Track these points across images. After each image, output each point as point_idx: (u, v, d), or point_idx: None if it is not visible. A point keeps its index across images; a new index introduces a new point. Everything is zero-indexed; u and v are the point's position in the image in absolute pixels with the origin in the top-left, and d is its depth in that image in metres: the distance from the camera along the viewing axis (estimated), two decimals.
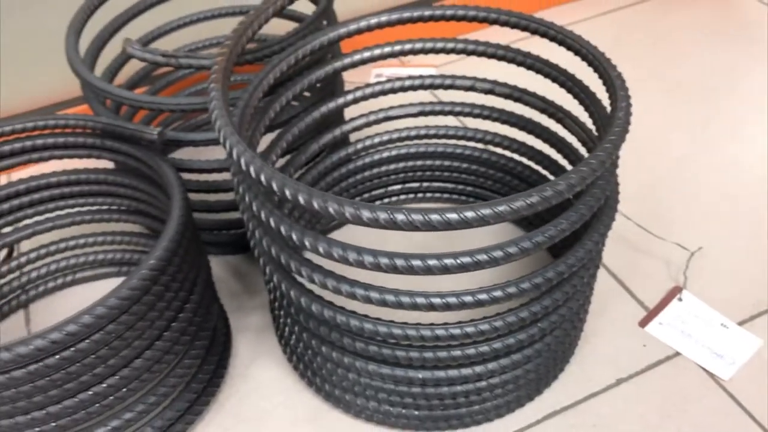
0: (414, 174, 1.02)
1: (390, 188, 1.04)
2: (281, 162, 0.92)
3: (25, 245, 1.00)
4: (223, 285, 0.96)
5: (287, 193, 0.58)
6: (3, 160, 0.86)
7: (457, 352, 0.69)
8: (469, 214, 0.55)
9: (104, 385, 0.67)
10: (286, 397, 0.84)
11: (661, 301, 0.90)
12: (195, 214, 0.87)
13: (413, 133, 0.98)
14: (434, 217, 0.55)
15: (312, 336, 0.75)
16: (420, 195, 1.05)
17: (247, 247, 1.00)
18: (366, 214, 0.56)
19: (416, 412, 0.77)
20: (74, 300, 0.97)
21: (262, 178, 0.60)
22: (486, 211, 0.56)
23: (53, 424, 0.67)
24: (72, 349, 0.62)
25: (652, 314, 0.89)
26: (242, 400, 0.84)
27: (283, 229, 0.63)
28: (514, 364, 0.73)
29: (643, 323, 0.88)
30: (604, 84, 0.70)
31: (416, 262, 0.59)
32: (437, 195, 1.04)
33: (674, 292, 0.90)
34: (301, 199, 0.58)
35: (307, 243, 0.62)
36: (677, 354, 0.85)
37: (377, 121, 0.95)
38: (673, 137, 1.15)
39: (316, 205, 0.57)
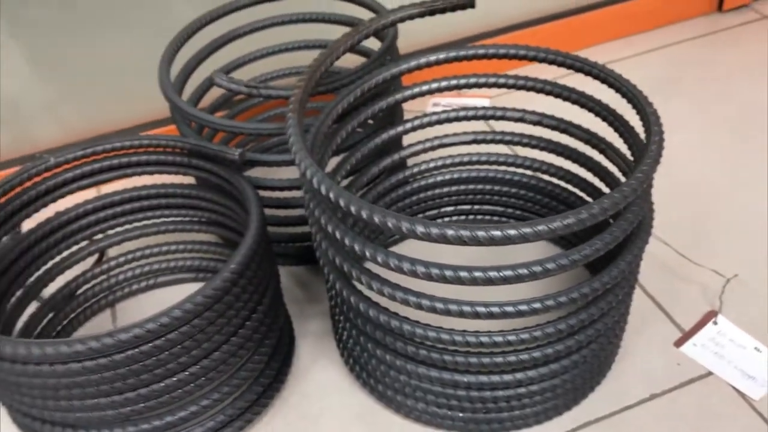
0: (466, 197, 1.10)
1: (443, 209, 1.12)
2: (345, 182, 1.01)
3: (114, 251, 1.11)
4: (288, 293, 1.05)
5: (352, 208, 0.67)
6: (102, 174, 0.97)
7: (499, 359, 0.77)
8: (512, 231, 0.63)
9: (186, 373, 0.77)
10: (342, 396, 0.92)
11: (696, 323, 0.95)
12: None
13: (466, 159, 1.06)
14: (480, 233, 0.63)
15: (368, 339, 0.83)
16: (471, 217, 1.12)
17: (310, 260, 1.10)
18: (420, 228, 0.64)
19: (461, 414, 0.84)
20: (155, 301, 1.08)
21: (331, 195, 0.69)
22: (527, 230, 0.63)
23: (142, 405, 0.76)
24: (163, 338, 0.72)
25: (687, 335, 0.94)
26: (303, 397, 0.92)
27: (347, 241, 0.72)
28: (552, 373, 0.80)
29: (678, 344, 0.93)
30: (640, 118, 0.77)
31: (463, 273, 0.67)
32: (487, 217, 1.12)
33: (709, 316, 0.95)
34: (364, 215, 0.66)
35: (367, 253, 0.70)
36: (710, 374, 0.90)
37: (433, 148, 1.04)
38: (715, 170, 1.19)
39: (376, 219, 0.66)
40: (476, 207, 1.11)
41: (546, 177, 1.04)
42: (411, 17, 0.91)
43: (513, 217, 1.10)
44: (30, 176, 0.93)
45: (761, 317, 0.95)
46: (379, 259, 0.69)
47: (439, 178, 1.08)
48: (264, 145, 1.24)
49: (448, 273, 0.67)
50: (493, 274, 0.67)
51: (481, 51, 0.92)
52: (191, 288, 0.97)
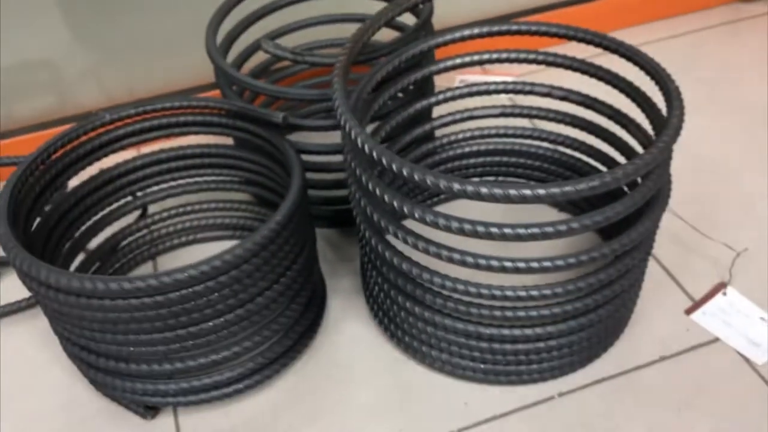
0: (491, 168, 1.16)
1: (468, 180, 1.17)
2: None
3: (156, 207, 1.17)
4: (321, 253, 1.12)
5: (394, 166, 0.73)
6: (151, 132, 1.03)
7: (521, 313, 0.83)
8: (541, 191, 0.69)
9: (232, 315, 0.83)
10: (370, 347, 0.99)
11: (706, 294, 1.01)
12: None
13: (493, 131, 1.12)
14: (512, 191, 0.69)
15: (398, 292, 0.89)
16: None
17: (342, 223, 1.16)
18: (456, 185, 0.70)
19: (482, 365, 0.90)
20: (194, 256, 1.13)
21: (374, 153, 0.74)
22: (555, 190, 0.69)
23: (191, 342, 0.83)
24: (214, 280, 0.78)
25: (697, 305, 1.00)
26: (333, 347, 0.99)
27: (386, 197, 0.77)
28: (570, 329, 0.85)
29: (689, 311, 0.99)
30: (662, 92, 0.82)
31: (494, 229, 0.73)
32: None
33: (719, 288, 1.01)
34: (405, 172, 0.72)
35: (405, 209, 0.76)
36: (717, 340, 0.95)
37: (462, 119, 1.09)
38: (729, 152, 1.24)
39: (416, 176, 0.72)
40: (501, 178, 1.17)
41: (569, 151, 1.09)
42: None
43: None
44: (86, 131, 0.99)
45: None
46: (417, 215, 0.75)
47: (467, 149, 1.14)
48: (301, 112, 1.29)
49: (480, 228, 0.73)
50: (521, 230, 0.72)
51: (514, 27, 0.97)
52: (228, 245, 1.03)
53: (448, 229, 0.74)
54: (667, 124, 0.77)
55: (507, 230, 0.73)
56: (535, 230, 0.73)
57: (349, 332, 1.01)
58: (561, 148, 1.10)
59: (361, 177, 0.81)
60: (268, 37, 1.25)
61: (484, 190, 0.70)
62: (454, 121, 1.09)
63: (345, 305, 1.05)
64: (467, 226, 0.73)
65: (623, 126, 0.95)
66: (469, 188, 0.70)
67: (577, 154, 1.09)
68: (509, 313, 0.83)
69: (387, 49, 1.00)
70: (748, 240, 1.06)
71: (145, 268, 1.14)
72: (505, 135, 1.12)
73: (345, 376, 0.96)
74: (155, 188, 1.11)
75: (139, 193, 1.11)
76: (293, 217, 0.86)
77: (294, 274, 0.89)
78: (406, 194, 1.13)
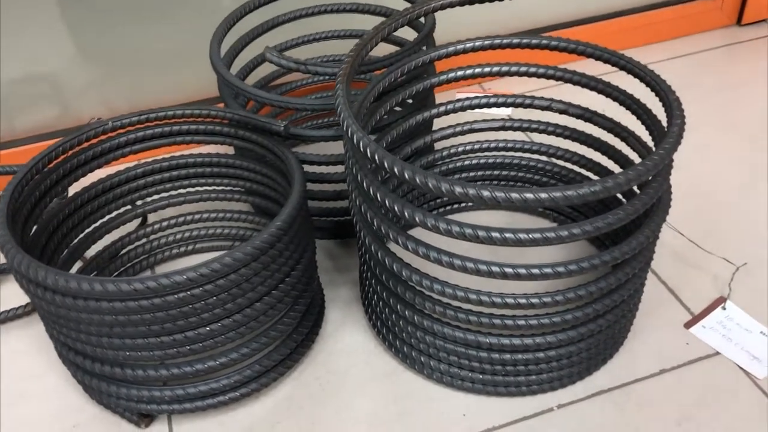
0: (491, 182, 1.16)
1: None
2: None
3: (155, 216, 1.17)
4: (320, 263, 1.11)
5: (396, 169, 0.73)
6: (154, 140, 1.04)
7: (521, 321, 0.82)
8: (543, 195, 0.69)
9: (230, 320, 0.83)
10: (367, 357, 0.98)
11: (706, 308, 1.01)
12: None
13: (492, 145, 1.12)
14: (514, 195, 0.69)
15: (397, 300, 0.89)
16: None
17: (342, 235, 1.16)
18: (458, 189, 0.70)
19: (480, 376, 0.89)
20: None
21: (377, 157, 0.75)
22: (557, 194, 0.69)
23: (187, 347, 0.82)
24: (212, 283, 0.78)
25: (696, 318, 0.99)
26: (331, 355, 0.98)
27: (388, 202, 0.78)
28: (569, 339, 0.85)
29: (688, 325, 0.99)
30: (662, 103, 0.83)
31: (495, 234, 0.73)
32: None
33: (719, 302, 1.01)
34: (407, 175, 0.72)
35: (407, 214, 0.76)
36: (717, 353, 0.95)
37: (462, 132, 1.10)
38: (729, 169, 1.25)
39: (419, 180, 0.72)
40: None
41: (569, 165, 1.09)
42: (451, 5, 0.97)
43: None
44: (88, 137, 0.99)
45: None
46: (418, 220, 0.75)
47: (466, 162, 1.14)
48: (304, 126, 1.30)
49: (481, 233, 0.73)
50: (522, 235, 0.73)
51: (515, 41, 0.98)
52: None
53: (449, 233, 0.74)
54: (668, 132, 0.77)
55: (508, 235, 0.73)
56: (537, 235, 0.73)
57: (347, 341, 1.00)
58: (560, 162, 1.10)
59: (363, 182, 0.81)
60: (279, 48, 1.26)
61: (486, 193, 0.70)
62: (454, 134, 1.10)
63: (343, 315, 1.04)
64: (468, 231, 0.73)
65: (623, 139, 0.96)
66: (471, 191, 0.70)
67: (577, 168, 1.09)
68: (509, 321, 0.83)
69: (388, 61, 1.01)
70: (748, 254, 1.06)
71: None
72: (505, 148, 1.12)
73: (342, 386, 0.95)
74: (155, 197, 1.11)
75: (138, 202, 1.11)
76: (294, 222, 0.86)
77: (293, 281, 0.89)
78: (408, 202, 1.13)
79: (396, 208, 0.77)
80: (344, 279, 1.10)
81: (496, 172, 1.15)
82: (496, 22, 1.49)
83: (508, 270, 0.76)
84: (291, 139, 1.01)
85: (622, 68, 0.91)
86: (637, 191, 0.80)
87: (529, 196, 0.69)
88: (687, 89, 1.45)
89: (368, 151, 0.76)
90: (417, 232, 0.77)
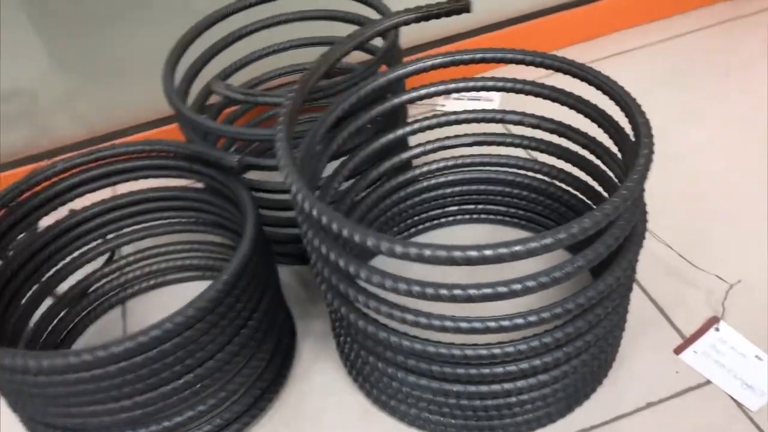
0: (470, 197, 1.10)
1: (447, 209, 1.12)
2: (346, 185, 1.01)
3: (125, 250, 1.14)
4: (292, 292, 1.08)
5: (334, 226, 0.67)
6: (111, 178, 1.00)
7: (486, 371, 0.77)
8: (488, 252, 0.63)
9: (181, 381, 0.79)
10: (340, 398, 0.94)
11: (698, 330, 0.94)
12: (267, 228, 0.99)
13: (468, 160, 1.06)
14: (456, 253, 0.63)
15: (360, 347, 0.84)
16: (475, 216, 1.12)
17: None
18: (399, 248, 0.65)
19: (453, 421, 0.85)
20: (164, 299, 1.11)
21: (324, 218, 0.68)
22: (503, 250, 0.63)
23: (139, 412, 0.79)
24: (155, 350, 0.74)
25: (687, 342, 0.93)
26: (302, 397, 0.94)
27: (339, 262, 0.72)
28: (541, 383, 0.80)
29: (678, 350, 0.92)
30: (632, 128, 0.76)
31: (443, 291, 0.67)
32: (491, 217, 1.12)
33: (711, 322, 0.94)
34: (345, 232, 0.67)
35: (351, 270, 0.71)
36: (708, 382, 0.89)
37: (434, 150, 1.03)
38: (726, 169, 1.16)
39: (357, 238, 0.66)
40: (480, 207, 1.11)
41: (547, 179, 1.02)
42: (407, 23, 0.90)
43: (516, 217, 1.10)
44: (38, 181, 0.96)
45: (763, 324, 0.93)
46: (363, 276, 0.70)
47: (442, 179, 1.08)
48: (266, 146, 1.25)
49: (429, 291, 0.67)
50: (473, 291, 0.67)
51: (480, 55, 0.91)
52: (198, 286, 1.00)
53: (395, 290, 0.69)
54: (633, 167, 0.70)
55: (457, 291, 0.67)
56: (488, 291, 0.67)
57: (319, 380, 0.96)
58: (540, 176, 1.04)
59: (314, 240, 0.76)
60: (236, 66, 1.20)
61: (427, 252, 0.64)
62: (425, 153, 1.03)
63: (316, 349, 1.00)
64: (415, 288, 0.68)
65: (598, 156, 0.89)
66: (413, 251, 0.65)
67: (556, 182, 1.02)
68: (473, 371, 0.77)
69: (346, 83, 0.94)
70: (743, 271, 0.98)
71: (114, 314, 1.11)
72: (482, 164, 1.06)
73: (314, 429, 0.91)
74: (124, 231, 1.07)
75: (108, 236, 1.08)
76: (246, 268, 0.81)
77: (251, 331, 0.84)
78: (385, 223, 1.08)
79: (341, 263, 0.72)
80: (318, 310, 1.05)
81: (474, 188, 1.09)
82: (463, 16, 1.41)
83: (463, 324, 0.70)
84: (246, 172, 0.96)
85: (595, 85, 0.84)
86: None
87: (474, 254, 0.63)
88: (683, 74, 1.37)
89: (314, 211, 0.70)
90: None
